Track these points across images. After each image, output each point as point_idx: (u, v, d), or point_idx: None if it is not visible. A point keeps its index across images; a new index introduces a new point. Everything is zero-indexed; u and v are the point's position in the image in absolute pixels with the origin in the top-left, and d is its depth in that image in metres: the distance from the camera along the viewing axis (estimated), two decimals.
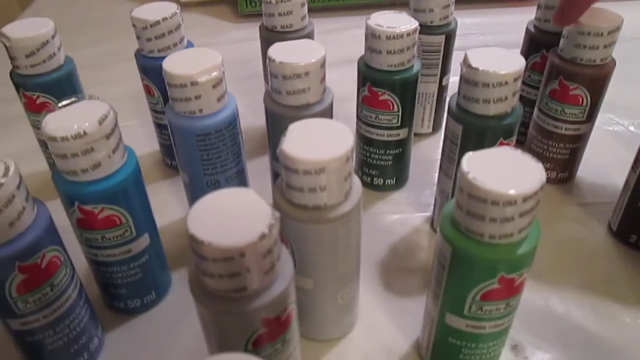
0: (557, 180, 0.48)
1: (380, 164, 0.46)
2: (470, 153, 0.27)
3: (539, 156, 0.47)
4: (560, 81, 0.42)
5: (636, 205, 0.40)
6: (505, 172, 0.26)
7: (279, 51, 0.36)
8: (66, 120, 0.30)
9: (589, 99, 0.42)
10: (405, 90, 0.42)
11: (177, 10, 0.42)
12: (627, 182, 0.41)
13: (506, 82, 0.34)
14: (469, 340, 0.31)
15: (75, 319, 0.32)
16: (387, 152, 0.45)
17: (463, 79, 0.35)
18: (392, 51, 0.40)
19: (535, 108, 0.46)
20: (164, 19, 0.41)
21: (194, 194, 0.40)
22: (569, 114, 0.43)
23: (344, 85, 0.49)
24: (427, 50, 0.48)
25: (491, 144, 0.36)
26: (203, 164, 0.38)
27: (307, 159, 0.27)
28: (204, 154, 0.37)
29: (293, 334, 0.28)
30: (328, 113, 0.38)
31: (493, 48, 0.36)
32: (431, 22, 0.46)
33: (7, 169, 0.27)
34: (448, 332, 0.31)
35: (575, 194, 0.47)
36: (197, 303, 0.25)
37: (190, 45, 0.45)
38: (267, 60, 0.36)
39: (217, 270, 0.23)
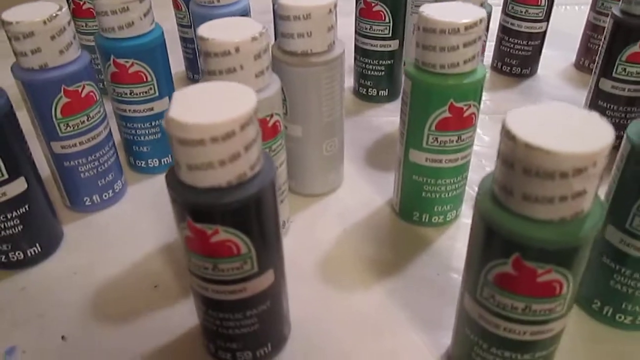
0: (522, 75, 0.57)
1: (374, 75, 0.52)
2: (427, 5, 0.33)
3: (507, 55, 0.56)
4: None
5: None
6: (455, 11, 0.32)
7: None
8: None
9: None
10: (396, 0, 0.48)
11: None
12: None
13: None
14: (430, 176, 0.36)
15: (105, 155, 0.39)
16: (380, 62, 0.51)
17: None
18: None
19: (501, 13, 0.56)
20: None
21: None
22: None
23: None
24: None
25: None
26: None
27: (296, 5, 0.34)
28: None
29: (278, 149, 0.34)
30: None
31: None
32: None
33: (61, 7, 0.34)
34: (412, 170, 0.37)
35: None
36: None
37: None
38: None
39: (216, 67, 0.30)
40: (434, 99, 0.33)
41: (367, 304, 0.33)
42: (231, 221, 0.24)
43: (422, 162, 0.36)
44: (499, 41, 0.57)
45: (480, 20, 0.31)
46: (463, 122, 0.34)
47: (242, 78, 0.30)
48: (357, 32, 0.51)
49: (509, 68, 0.57)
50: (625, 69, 0.42)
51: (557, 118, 0.22)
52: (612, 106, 0.44)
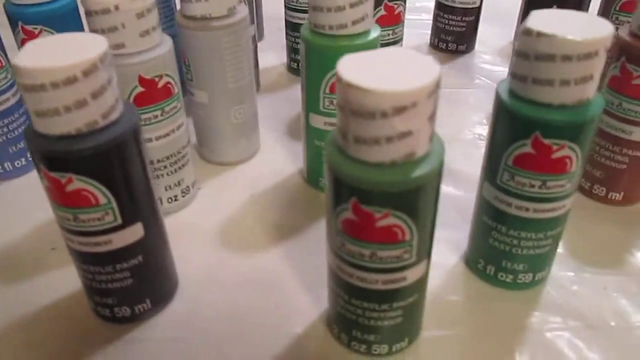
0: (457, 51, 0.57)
1: None
2: None
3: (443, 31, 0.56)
4: None
5: None
6: None
7: None
8: None
9: None
10: None
11: None
12: None
13: None
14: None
15: (15, 121, 0.39)
16: None
17: None
18: None
19: None
20: None
21: None
22: None
23: None
24: None
25: None
26: None
27: None
28: None
29: (173, 112, 0.34)
30: None
31: None
32: None
33: None
34: (314, 135, 0.37)
35: None
36: None
37: None
38: None
39: (98, 26, 0.30)
40: (325, 61, 0.33)
41: (262, 265, 0.34)
42: (84, 170, 0.24)
43: (321, 126, 0.36)
44: (435, 18, 0.57)
45: None
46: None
47: (125, 37, 0.30)
48: (286, 7, 0.51)
49: (445, 44, 0.57)
50: None
51: (391, 61, 0.22)
52: None
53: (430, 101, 0.21)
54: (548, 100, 0.25)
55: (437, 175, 0.22)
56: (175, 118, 0.34)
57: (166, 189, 0.36)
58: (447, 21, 0.56)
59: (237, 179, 0.41)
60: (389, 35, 0.43)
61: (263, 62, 0.54)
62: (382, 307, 0.26)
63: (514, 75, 0.26)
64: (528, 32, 0.24)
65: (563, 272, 0.33)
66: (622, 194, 0.37)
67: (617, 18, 0.46)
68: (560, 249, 0.32)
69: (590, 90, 0.25)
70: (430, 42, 0.59)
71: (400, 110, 0.20)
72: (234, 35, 0.36)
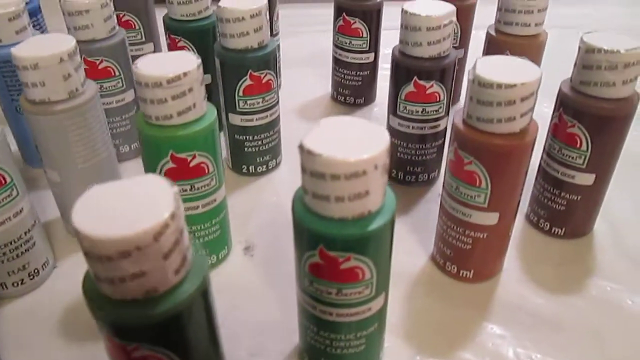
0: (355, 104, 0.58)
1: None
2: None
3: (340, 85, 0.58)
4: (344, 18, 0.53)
5: None
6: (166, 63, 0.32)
7: None
8: None
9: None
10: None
11: None
12: None
13: (242, 18, 0.40)
14: None
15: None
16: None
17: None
18: None
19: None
20: None
21: None
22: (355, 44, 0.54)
23: None
24: None
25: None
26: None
27: (23, 56, 0.34)
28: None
29: (7, 201, 0.33)
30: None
31: None
32: None
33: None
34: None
35: None
36: None
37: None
38: None
39: None
40: (158, 150, 0.33)
41: None
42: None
43: None
44: (333, 71, 0.57)
45: (185, 74, 0.31)
46: (191, 172, 0.34)
47: None
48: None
49: (343, 98, 0.57)
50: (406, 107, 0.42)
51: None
52: (402, 143, 0.44)
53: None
54: (328, 214, 0.24)
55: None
56: (10, 206, 0.34)
57: (9, 274, 0.36)
58: (342, 75, 0.56)
59: None
60: (258, 103, 0.43)
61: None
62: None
63: (302, 187, 0.25)
64: (301, 147, 0.24)
65: None
66: (472, 271, 0.37)
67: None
68: (397, 337, 0.32)
69: (371, 204, 0.24)
70: (332, 94, 0.59)
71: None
72: (78, 117, 0.36)
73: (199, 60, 0.32)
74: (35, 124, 0.36)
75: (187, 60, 0.32)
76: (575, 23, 0.73)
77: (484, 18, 0.53)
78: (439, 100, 0.42)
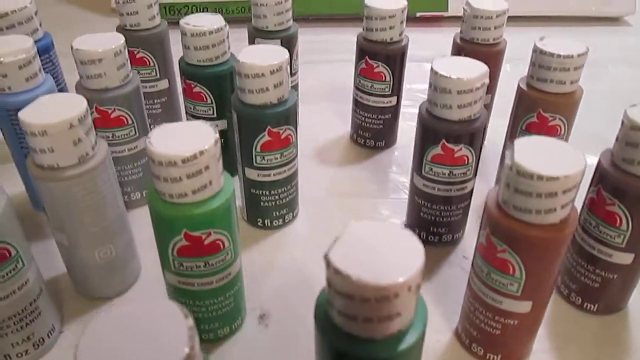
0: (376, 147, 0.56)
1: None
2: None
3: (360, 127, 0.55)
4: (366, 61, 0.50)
5: None
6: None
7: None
8: None
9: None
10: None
11: None
12: None
13: (262, 74, 0.38)
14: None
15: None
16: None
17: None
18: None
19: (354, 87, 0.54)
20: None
21: None
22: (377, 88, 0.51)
23: None
24: None
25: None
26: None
27: (32, 122, 0.32)
28: None
29: (13, 274, 0.32)
30: None
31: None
32: (266, 27, 0.51)
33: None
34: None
35: None
36: None
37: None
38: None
39: None
40: (171, 228, 0.31)
41: None
42: None
43: (174, 283, 0.34)
44: (353, 113, 0.55)
45: (201, 152, 0.29)
46: (206, 250, 0.32)
47: None
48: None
49: (363, 140, 0.55)
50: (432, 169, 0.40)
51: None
52: (426, 203, 0.42)
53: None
54: (354, 332, 0.22)
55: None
56: (15, 279, 0.32)
57: (13, 346, 0.34)
58: (363, 118, 0.54)
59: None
60: (276, 158, 0.41)
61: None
62: None
63: (328, 300, 0.23)
64: (327, 262, 0.22)
65: None
66: (499, 355, 0.35)
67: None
68: None
69: (401, 324, 0.22)
70: (350, 135, 0.57)
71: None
72: (88, 182, 0.34)
73: (217, 135, 0.30)
74: (43, 189, 0.34)
75: (204, 134, 0.30)
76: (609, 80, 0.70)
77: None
78: (467, 163, 0.39)
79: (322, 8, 0.83)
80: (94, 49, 0.40)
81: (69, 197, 0.34)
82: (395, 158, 0.55)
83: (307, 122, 0.59)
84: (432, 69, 0.38)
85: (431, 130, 0.39)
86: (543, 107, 0.42)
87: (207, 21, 0.45)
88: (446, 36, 0.82)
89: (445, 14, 0.82)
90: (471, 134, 0.38)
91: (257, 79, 0.38)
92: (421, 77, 0.64)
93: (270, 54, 0.39)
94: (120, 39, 0.42)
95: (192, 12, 0.82)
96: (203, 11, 0.82)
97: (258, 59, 0.38)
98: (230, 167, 0.48)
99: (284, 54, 0.39)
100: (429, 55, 0.72)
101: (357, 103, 0.54)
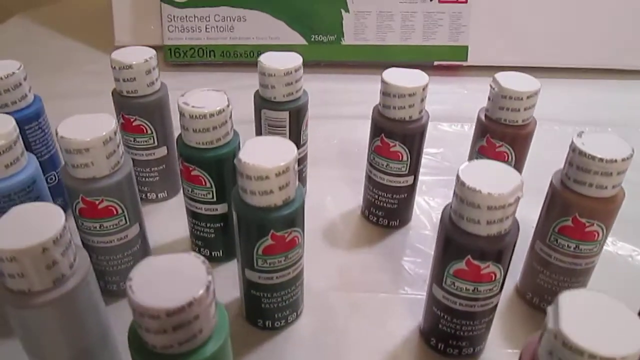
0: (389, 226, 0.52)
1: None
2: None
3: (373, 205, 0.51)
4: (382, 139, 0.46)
5: None
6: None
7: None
8: None
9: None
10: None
11: None
12: None
13: (267, 177, 0.34)
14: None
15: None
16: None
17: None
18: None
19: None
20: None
21: None
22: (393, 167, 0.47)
23: None
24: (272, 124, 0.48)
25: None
26: None
27: (2, 248, 0.28)
28: None
29: None
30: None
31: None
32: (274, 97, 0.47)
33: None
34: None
35: None
36: None
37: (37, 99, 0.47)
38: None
39: None
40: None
41: None
42: None
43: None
44: (366, 189, 0.50)
45: (190, 304, 0.25)
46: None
47: None
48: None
49: (375, 218, 0.51)
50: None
51: None
52: (446, 316, 0.37)
53: None
54: None
55: None
56: None
57: None
58: (376, 196, 0.49)
59: None
60: (280, 262, 0.37)
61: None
62: None
63: None
64: None
65: None
66: None
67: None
68: None
69: None
70: (362, 210, 0.52)
71: None
72: (64, 307, 0.30)
73: (210, 277, 0.26)
74: (13, 316, 0.30)
75: (195, 279, 0.26)
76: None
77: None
78: (494, 280, 0.35)
79: (334, 54, 0.79)
80: (81, 137, 0.36)
81: (43, 324, 0.30)
82: (410, 240, 0.50)
83: (315, 192, 0.55)
84: (457, 178, 0.33)
85: (455, 244, 0.34)
86: (579, 212, 0.38)
87: (209, 100, 0.40)
88: (463, 87, 0.77)
89: (464, 64, 0.77)
90: (500, 251, 0.34)
91: (260, 181, 0.34)
92: (438, 140, 0.59)
93: (275, 150, 0.35)
94: (111, 123, 0.38)
95: (198, 55, 0.78)
96: (210, 55, 0.78)
97: (262, 158, 0.34)
98: (230, 251, 0.45)
99: (292, 150, 0.35)
100: (447, 110, 0.69)
101: (370, 179, 0.49)
